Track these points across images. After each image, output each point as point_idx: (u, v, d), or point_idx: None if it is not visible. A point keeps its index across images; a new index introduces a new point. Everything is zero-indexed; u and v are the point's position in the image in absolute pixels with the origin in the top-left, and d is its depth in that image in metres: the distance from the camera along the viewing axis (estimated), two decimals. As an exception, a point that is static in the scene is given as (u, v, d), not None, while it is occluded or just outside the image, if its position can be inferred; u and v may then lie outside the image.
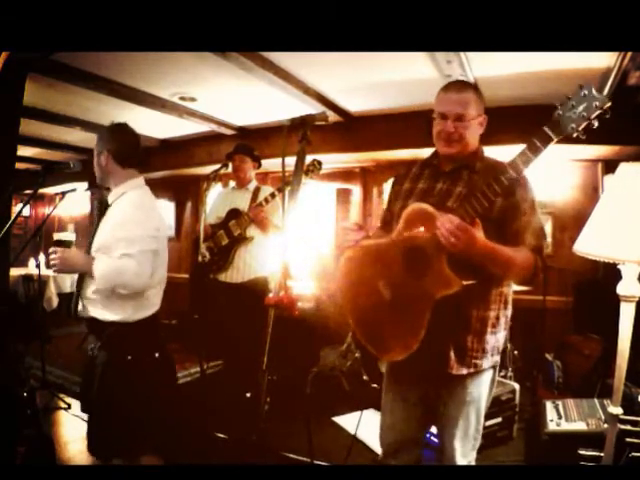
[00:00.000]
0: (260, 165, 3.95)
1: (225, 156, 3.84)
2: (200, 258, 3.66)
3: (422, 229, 1.64)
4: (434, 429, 3.17)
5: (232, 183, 4.06)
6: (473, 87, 1.83)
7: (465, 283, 1.56)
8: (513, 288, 3.41)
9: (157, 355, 2.12)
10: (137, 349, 2.06)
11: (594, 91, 1.40)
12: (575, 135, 1.42)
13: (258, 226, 3.66)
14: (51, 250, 2.01)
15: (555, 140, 1.44)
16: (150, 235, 2.05)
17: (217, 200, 4.02)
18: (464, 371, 1.73)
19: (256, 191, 3.77)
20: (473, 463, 1.87)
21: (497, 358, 1.81)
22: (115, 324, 2.03)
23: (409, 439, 1.91)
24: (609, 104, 1.39)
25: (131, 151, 2.18)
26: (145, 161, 2.16)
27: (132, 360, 2.03)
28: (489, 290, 1.72)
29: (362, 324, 1.83)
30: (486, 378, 1.80)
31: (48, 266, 2.09)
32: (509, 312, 1.83)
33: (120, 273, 1.97)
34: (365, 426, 2.47)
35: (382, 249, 1.78)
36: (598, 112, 1.39)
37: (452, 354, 1.71)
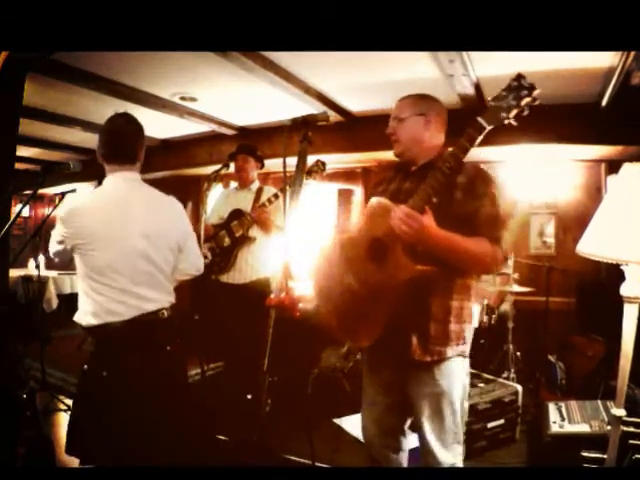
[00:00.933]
0: (263, 165, 3.93)
1: (228, 156, 3.81)
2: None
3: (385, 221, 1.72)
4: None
5: (234, 184, 4.04)
6: (416, 95, 1.96)
7: (420, 268, 1.65)
8: (515, 290, 3.41)
9: (105, 374, 1.86)
10: (91, 360, 1.92)
11: (523, 81, 1.56)
12: (507, 122, 1.58)
13: (261, 227, 3.63)
14: None
15: (488, 128, 1.59)
16: (59, 248, 1.94)
17: (219, 200, 4.00)
18: (428, 358, 1.77)
19: (259, 191, 3.74)
20: (460, 457, 1.88)
21: (464, 348, 1.86)
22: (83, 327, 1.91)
23: (388, 427, 1.98)
24: (537, 91, 1.55)
25: (117, 145, 1.99)
26: (136, 156, 2.02)
27: (87, 371, 1.91)
28: (452, 280, 1.80)
29: (334, 315, 1.90)
30: (454, 368, 1.83)
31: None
32: (474, 305, 1.90)
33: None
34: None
35: (349, 243, 1.90)
36: (527, 100, 1.56)
37: (415, 341, 1.76)
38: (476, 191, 1.74)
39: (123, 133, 2.00)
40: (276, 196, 3.54)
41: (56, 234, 1.92)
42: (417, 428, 1.88)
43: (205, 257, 3.61)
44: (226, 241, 3.68)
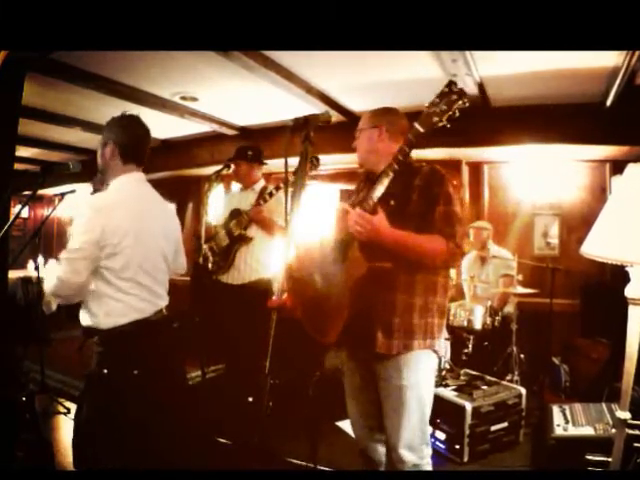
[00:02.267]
0: (263, 163, 3.86)
1: (226, 161, 3.81)
2: (201, 260, 3.63)
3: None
4: (438, 434, 3.20)
5: (236, 185, 4.02)
6: (374, 109, 2.11)
7: (372, 265, 1.77)
8: (519, 291, 3.40)
9: (136, 372, 1.88)
10: (111, 362, 1.87)
11: (454, 87, 1.70)
12: (441, 125, 1.71)
13: (259, 226, 3.62)
14: None
15: (423, 131, 1.74)
16: (90, 240, 1.81)
17: (224, 202, 4.00)
18: (393, 351, 1.85)
19: (263, 190, 3.71)
20: (427, 459, 1.92)
21: (432, 342, 1.92)
22: (91, 330, 1.89)
23: (372, 421, 2.03)
24: (466, 97, 1.69)
25: (137, 147, 2.05)
26: (146, 160, 2.09)
27: (107, 374, 1.85)
28: (412, 276, 1.88)
29: (306, 313, 2.02)
30: (422, 362, 1.90)
31: None
32: (441, 300, 1.97)
33: (48, 280, 1.90)
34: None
35: (317, 245, 2.06)
36: (457, 104, 1.69)
37: (379, 335, 1.85)
38: (431, 191, 1.86)
39: (143, 135, 2.08)
40: (271, 194, 3.53)
41: (85, 239, 1.81)
42: (386, 426, 1.92)
43: (205, 257, 3.63)
44: (225, 241, 3.67)
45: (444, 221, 1.83)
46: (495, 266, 4.53)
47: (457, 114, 1.70)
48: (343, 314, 1.82)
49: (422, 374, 1.90)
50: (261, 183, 3.80)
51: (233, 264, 3.64)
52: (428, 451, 1.93)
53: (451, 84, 1.71)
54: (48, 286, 1.89)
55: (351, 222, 1.78)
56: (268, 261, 3.73)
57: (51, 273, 1.86)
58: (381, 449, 2.05)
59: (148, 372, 1.89)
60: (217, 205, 4.02)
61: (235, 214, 3.67)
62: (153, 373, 1.90)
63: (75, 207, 2.01)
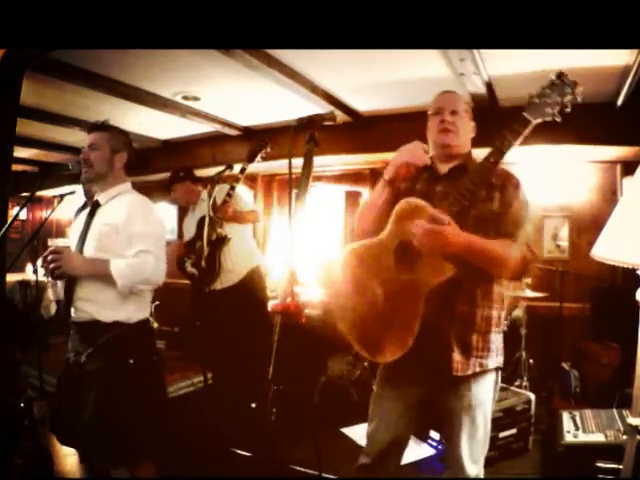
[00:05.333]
0: (196, 179, 4.09)
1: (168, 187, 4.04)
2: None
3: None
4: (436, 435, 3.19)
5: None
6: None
7: (454, 270, 1.62)
8: (528, 295, 3.36)
9: (155, 358, 2.21)
10: (138, 352, 2.10)
11: (564, 79, 1.61)
12: (551, 118, 1.62)
13: (233, 221, 3.73)
14: (51, 250, 1.98)
15: (534, 123, 1.62)
16: (161, 230, 2.19)
17: (185, 225, 4.15)
18: (469, 372, 1.74)
19: (209, 194, 3.74)
20: (482, 469, 1.87)
21: (501, 359, 1.85)
22: (116, 326, 2.06)
23: (400, 442, 1.91)
24: (580, 88, 1.60)
25: (133, 162, 2.30)
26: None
27: (134, 364, 2.06)
28: (489, 287, 1.78)
29: (355, 327, 1.81)
30: (490, 379, 1.83)
31: (52, 274, 2.02)
32: (503, 313, 1.90)
33: (141, 270, 2.02)
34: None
35: (372, 248, 1.82)
36: (570, 97, 1.60)
37: (456, 354, 1.72)
38: (507, 194, 1.76)
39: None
40: (232, 188, 3.64)
41: (162, 232, 2.22)
42: (449, 442, 1.85)
43: (192, 274, 3.77)
44: (206, 250, 3.65)
45: (516, 227, 1.72)
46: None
47: (569, 109, 1.61)
48: (413, 328, 1.64)
49: (489, 391, 1.83)
50: (204, 192, 3.92)
51: (222, 267, 3.72)
52: (482, 461, 1.87)
53: (562, 75, 1.62)
54: (142, 277, 2.04)
55: (418, 237, 1.59)
56: (252, 250, 3.92)
57: (133, 267, 2.03)
58: (394, 460, 1.94)
59: (160, 359, 2.26)
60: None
61: (203, 222, 3.67)
62: (162, 361, 2.29)
63: (131, 206, 2.15)
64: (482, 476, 1.88)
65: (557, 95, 1.60)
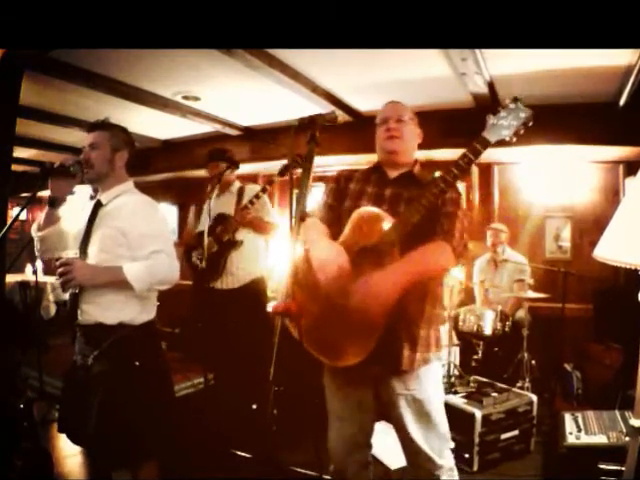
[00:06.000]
0: (237, 166, 3.84)
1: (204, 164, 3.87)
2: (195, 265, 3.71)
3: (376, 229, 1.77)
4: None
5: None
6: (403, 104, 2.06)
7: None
8: (530, 296, 3.38)
9: (161, 360, 2.21)
10: (144, 354, 2.09)
11: (520, 104, 1.72)
12: (508, 139, 1.71)
13: (249, 228, 3.65)
14: (61, 262, 1.96)
15: (492, 143, 1.71)
16: (168, 229, 2.22)
17: (204, 208, 3.97)
18: (415, 365, 1.82)
19: (240, 192, 3.73)
20: (453, 464, 1.94)
21: (440, 353, 1.95)
22: (121, 328, 2.04)
23: (359, 443, 1.97)
24: (532, 118, 1.71)
25: (134, 161, 2.27)
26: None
27: (140, 365, 2.05)
28: (430, 287, 1.88)
29: (312, 332, 1.79)
30: (436, 372, 1.94)
31: (63, 287, 2.02)
32: (442, 309, 2.05)
33: (156, 270, 2.02)
34: (375, 439, 2.40)
35: (334, 251, 1.81)
36: (523, 122, 1.71)
37: (406, 351, 1.79)
38: (445, 199, 1.81)
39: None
40: (257, 197, 3.53)
41: (169, 234, 2.26)
42: (406, 439, 1.88)
43: (196, 266, 3.69)
44: (214, 248, 3.66)
45: (447, 223, 1.81)
46: (510, 270, 4.50)
47: (522, 132, 1.72)
48: (376, 332, 1.67)
49: (437, 383, 1.95)
50: (236, 185, 3.81)
51: (225, 269, 3.66)
52: (451, 457, 1.95)
53: (517, 100, 1.72)
54: (158, 278, 2.04)
55: (363, 296, 1.66)
56: (260, 260, 3.81)
57: (149, 268, 2.01)
58: (363, 472, 2.00)
59: (165, 361, 2.25)
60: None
61: (220, 219, 3.66)
62: (166, 362, 2.26)
63: (136, 207, 2.13)
64: (455, 470, 1.94)
65: (512, 119, 1.71)
